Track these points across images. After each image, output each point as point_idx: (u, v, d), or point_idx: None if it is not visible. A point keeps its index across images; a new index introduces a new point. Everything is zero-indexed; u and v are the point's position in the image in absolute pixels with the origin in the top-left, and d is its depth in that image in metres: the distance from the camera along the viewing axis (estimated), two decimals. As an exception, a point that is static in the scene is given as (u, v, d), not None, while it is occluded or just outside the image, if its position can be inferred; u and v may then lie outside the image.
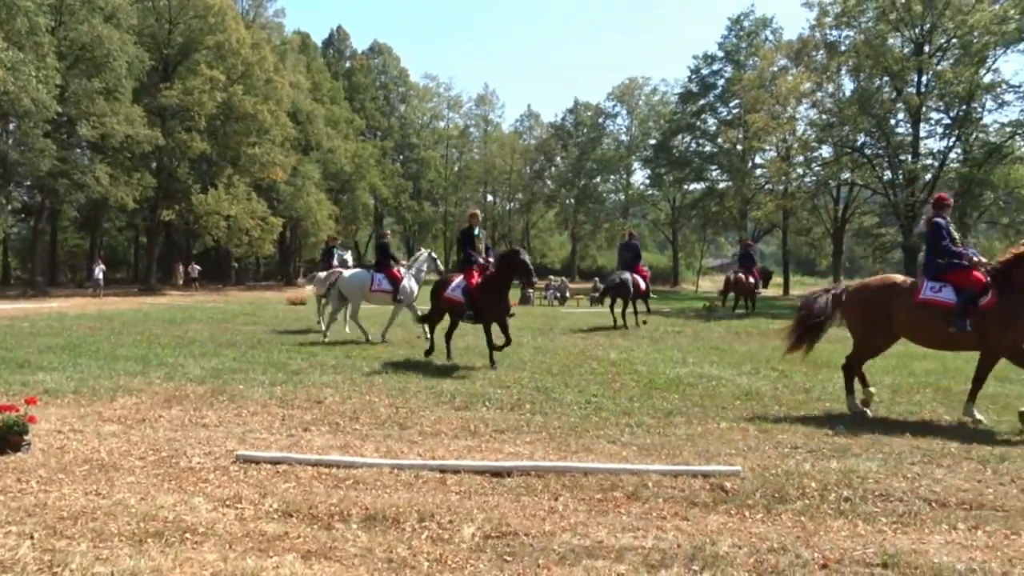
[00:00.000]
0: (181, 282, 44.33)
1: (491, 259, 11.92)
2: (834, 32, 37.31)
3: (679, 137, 57.61)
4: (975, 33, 31.63)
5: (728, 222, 55.05)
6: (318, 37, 67.10)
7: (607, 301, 18.83)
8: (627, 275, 18.19)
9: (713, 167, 55.79)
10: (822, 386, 9.79)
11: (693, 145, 57.40)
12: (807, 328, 8.65)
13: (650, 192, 62.71)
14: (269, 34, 50.46)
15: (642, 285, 18.56)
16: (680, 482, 5.41)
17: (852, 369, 8.47)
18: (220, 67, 40.77)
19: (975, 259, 8.14)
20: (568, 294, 33.57)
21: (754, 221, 52.00)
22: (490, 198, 73.92)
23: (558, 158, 68.25)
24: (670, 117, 59.34)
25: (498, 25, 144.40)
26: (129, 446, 6.23)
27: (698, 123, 56.60)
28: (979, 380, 7.91)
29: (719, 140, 53.06)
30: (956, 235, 8.39)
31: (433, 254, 15.33)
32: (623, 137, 66.21)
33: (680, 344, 14.88)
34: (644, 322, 18.97)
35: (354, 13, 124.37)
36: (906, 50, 34.85)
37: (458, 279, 11.96)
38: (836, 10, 35.94)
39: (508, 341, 11.50)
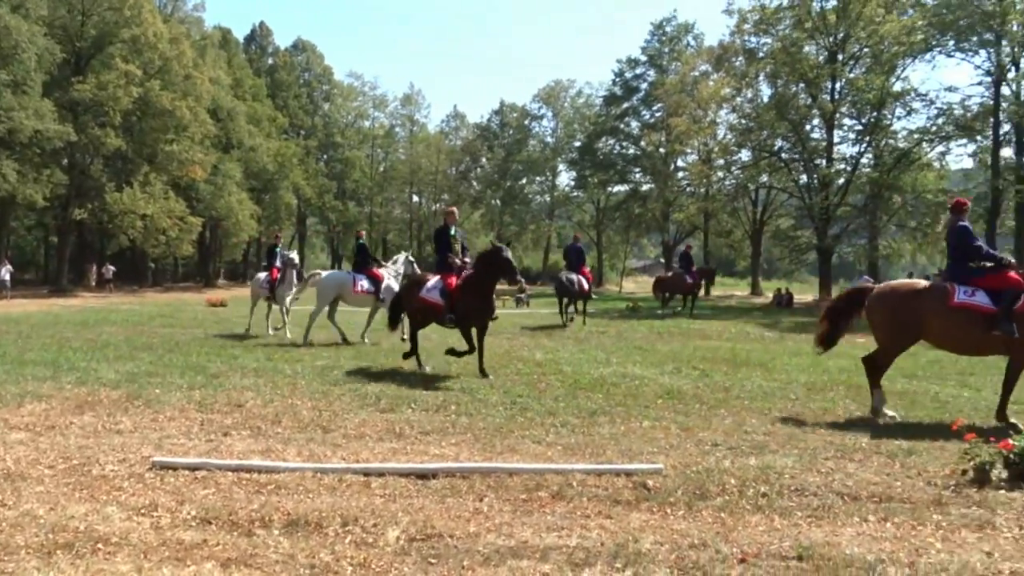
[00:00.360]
0: (94, 283, 42.67)
1: (467, 259, 11.33)
2: (753, 39, 38.39)
3: (603, 140, 58.32)
4: (885, 43, 32.95)
5: (651, 224, 56.01)
6: (240, 33, 65.66)
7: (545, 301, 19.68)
8: (575, 276, 19.41)
9: (637, 170, 56.66)
10: (741, 385, 10.04)
11: (617, 148, 58.18)
12: (834, 323, 8.68)
13: (575, 194, 63.34)
14: (188, 28, 49.07)
15: (585, 286, 19.68)
16: (604, 481, 5.46)
17: (879, 369, 8.36)
18: (136, 61, 39.48)
19: (1009, 260, 8.04)
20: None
21: (676, 223, 53.01)
22: (416, 199, 73.48)
23: (484, 159, 68.29)
24: (595, 120, 60.03)
25: (424, 25, 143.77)
26: (38, 454, 5.97)
27: (622, 126, 57.40)
28: (1010, 385, 7.83)
29: (642, 143, 53.98)
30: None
31: (411, 256, 16.21)
32: (549, 139, 66.69)
33: (604, 344, 15.07)
34: (584, 322, 19.95)
35: (276, 9, 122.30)
36: (821, 58, 36.06)
37: (434, 279, 11.15)
38: (755, 17, 36.97)
39: (473, 349, 10.56)
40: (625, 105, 56.98)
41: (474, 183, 68.95)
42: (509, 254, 10.61)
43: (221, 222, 49.01)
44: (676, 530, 4.55)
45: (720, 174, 42.08)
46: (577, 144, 62.09)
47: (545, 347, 14.36)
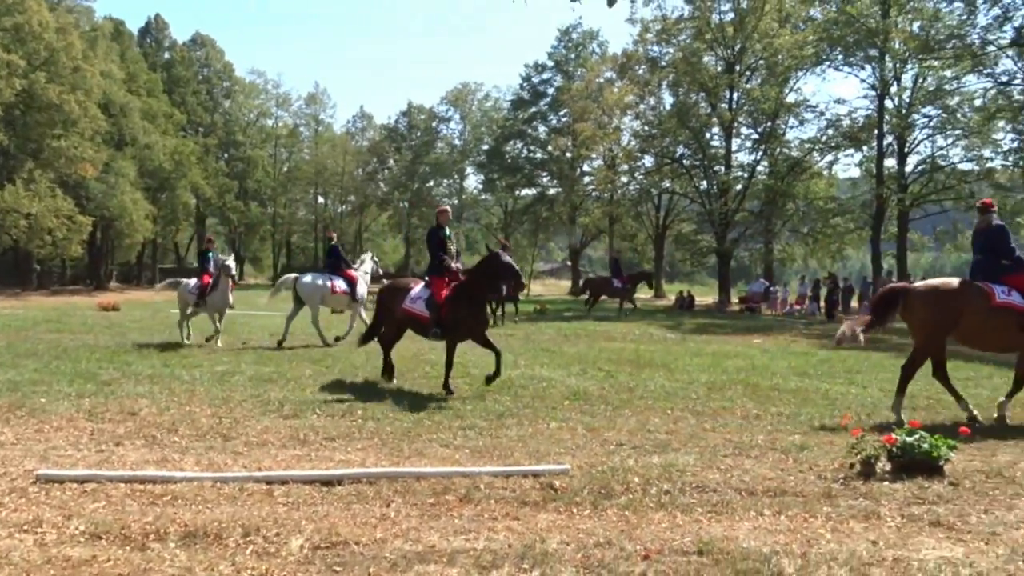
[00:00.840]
0: (-27, 286, 40.22)
1: (459, 264, 10.34)
2: (655, 48, 39.36)
3: (511, 143, 58.66)
4: (779, 56, 34.29)
5: (558, 227, 56.67)
6: (133, 26, 62.97)
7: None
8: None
9: (544, 173, 57.23)
10: (644, 385, 10.25)
11: (525, 151, 58.61)
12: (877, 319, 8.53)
13: (483, 197, 63.49)
14: (77, 18, 46.77)
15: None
16: (511, 483, 5.49)
17: (912, 371, 8.39)
18: (19, 51, 37.39)
19: None
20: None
21: (583, 227, 53.77)
22: (321, 200, 72.11)
23: (391, 161, 67.60)
24: (502, 123, 60.31)
25: (329, 23, 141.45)
26: (-92, 470, 5.59)
27: (529, 130, 57.86)
28: (1022, 381, 8.29)
29: (549, 147, 54.55)
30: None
31: (375, 257, 16.54)
32: (457, 141, 66.58)
33: (512, 347, 15.14)
34: (516, 320, 21.29)
35: (173, 2, 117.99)
36: (719, 68, 37.25)
37: (418, 287, 10.14)
38: (657, 27, 37.90)
39: (451, 366, 9.68)
40: (533, 109, 57.46)
41: (381, 185, 68.16)
42: (509, 257, 9.77)
43: (113, 222, 46.90)
44: (582, 529, 4.61)
45: (624, 179, 42.95)
46: (485, 147, 62.23)
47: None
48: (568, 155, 51.61)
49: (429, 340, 10.34)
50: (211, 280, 14.84)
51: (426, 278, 10.40)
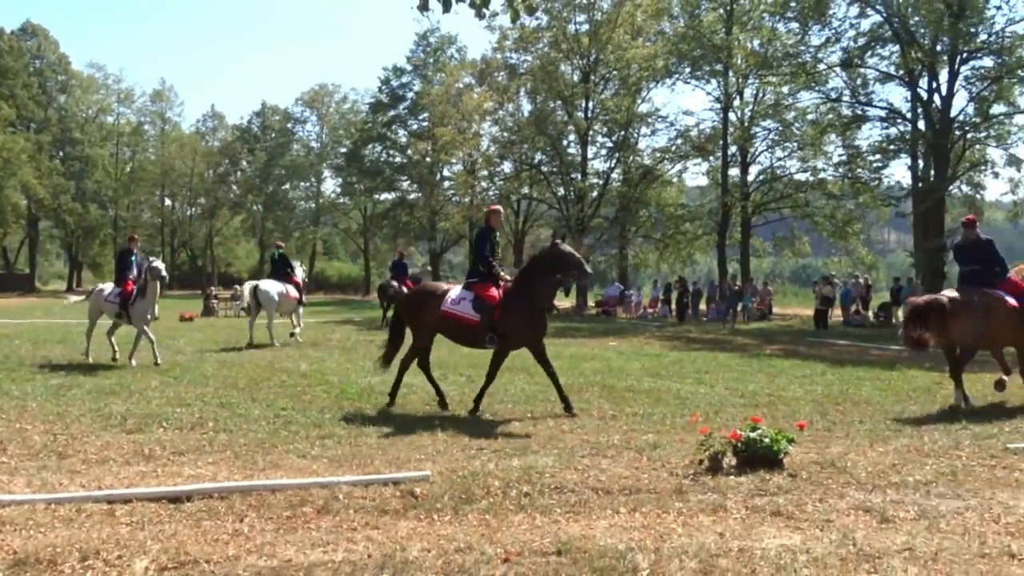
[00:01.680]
0: None
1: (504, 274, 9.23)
2: (514, 55, 39.92)
3: (370, 147, 57.93)
4: (632, 67, 35.57)
5: (419, 232, 56.35)
6: (-46, 11, 57.91)
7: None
8: (396, 284, 22.20)
9: (404, 178, 56.81)
10: (505, 389, 10.35)
11: (384, 155, 57.99)
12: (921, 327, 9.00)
13: (342, 200, 62.32)
14: None
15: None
16: (371, 491, 5.41)
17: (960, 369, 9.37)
18: None
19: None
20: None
21: (443, 232, 53.77)
22: (168, 202, 68.64)
23: (244, 162, 65.26)
24: (361, 126, 59.46)
25: (176, 18, 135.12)
26: None
27: (389, 134, 57.34)
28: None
29: (409, 152, 54.22)
30: None
31: (303, 266, 16.98)
32: (314, 144, 65.10)
33: (372, 354, 14.87)
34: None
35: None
36: (576, 77, 38.22)
37: (457, 289, 9.11)
38: (515, 35, 38.45)
39: (491, 381, 8.91)
40: (392, 113, 56.97)
41: (234, 187, 65.65)
42: (569, 247, 8.86)
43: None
44: (443, 535, 4.60)
45: (484, 184, 43.27)
46: (343, 150, 61.14)
47: (311, 357, 13.98)
48: (428, 159, 51.46)
49: (474, 348, 9.50)
50: (135, 286, 13.00)
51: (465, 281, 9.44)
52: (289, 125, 65.11)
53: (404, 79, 56.91)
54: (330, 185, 64.80)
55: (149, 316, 12.80)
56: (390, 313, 21.10)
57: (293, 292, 16.90)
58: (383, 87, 57.35)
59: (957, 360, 9.38)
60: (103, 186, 64.15)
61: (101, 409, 8.38)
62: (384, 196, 58.89)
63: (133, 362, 12.55)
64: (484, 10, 5.19)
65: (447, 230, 52.56)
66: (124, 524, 4.72)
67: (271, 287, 16.52)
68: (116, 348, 13.18)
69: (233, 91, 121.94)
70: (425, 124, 52.25)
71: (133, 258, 13.83)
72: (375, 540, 4.51)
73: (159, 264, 12.91)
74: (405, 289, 24.73)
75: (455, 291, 9.05)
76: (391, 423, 7.93)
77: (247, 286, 17.13)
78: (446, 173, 52.23)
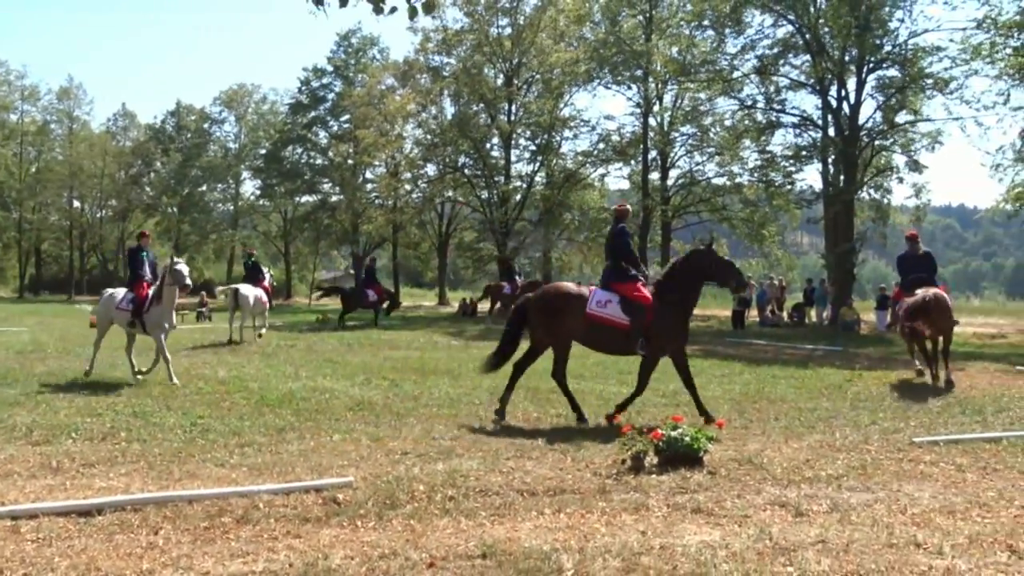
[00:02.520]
0: None
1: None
2: (437, 58, 39.81)
3: (290, 148, 56.84)
4: (554, 72, 35.88)
5: (341, 235, 55.55)
6: None
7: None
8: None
9: (325, 180, 55.94)
10: (429, 393, 10.31)
11: (305, 157, 56.99)
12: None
13: (261, 203, 60.95)
14: None
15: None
16: (293, 499, 5.31)
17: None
18: None
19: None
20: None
21: (366, 235, 53.20)
22: (77, 204, 65.92)
23: (158, 163, 63.20)
24: (280, 127, 58.30)
25: (84, 13, 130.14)
26: None
27: (310, 135, 56.38)
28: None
29: (331, 153, 53.46)
30: None
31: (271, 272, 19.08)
32: (231, 145, 63.47)
33: (293, 358, 14.67)
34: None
35: None
36: (499, 81, 38.35)
37: (600, 291, 8.44)
38: (438, 37, 38.35)
39: (641, 391, 8.52)
40: (312, 114, 56.01)
41: (147, 188, 63.53)
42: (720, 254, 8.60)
43: None
44: (366, 542, 4.54)
45: (408, 187, 42.99)
46: (263, 152, 59.82)
47: (229, 363, 13.64)
48: (350, 162, 50.85)
49: (620, 355, 9.10)
50: (151, 290, 11.38)
51: (596, 283, 9.05)
52: (206, 125, 63.33)
53: (325, 80, 56.03)
54: (249, 187, 63.31)
55: (167, 325, 11.20)
56: (390, 314, 21.61)
57: (264, 296, 18.59)
58: (303, 88, 56.36)
59: (944, 350, 11.52)
60: (6, 187, 61.15)
61: (4, 421, 8.00)
62: (305, 198, 57.82)
63: (139, 377, 11.13)
64: (382, 5, 5.13)
65: (370, 233, 52.03)
66: (30, 541, 4.52)
67: (249, 291, 17.96)
68: (135, 365, 11.61)
69: (146, 90, 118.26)
70: (347, 126, 51.57)
71: (144, 255, 12.07)
72: (297, 549, 4.43)
73: (183, 267, 11.18)
74: (373, 295, 24.67)
75: (597, 292, 8.43)
76: (313, 430, 7.80)
77: (228, 289, 19.19)
78: (368, 176, 51.71)
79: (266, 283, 19.30)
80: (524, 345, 8.91)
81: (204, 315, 30.77)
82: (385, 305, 25.09)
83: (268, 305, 19.04)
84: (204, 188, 62.93)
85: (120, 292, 11.94)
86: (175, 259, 11.26)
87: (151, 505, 5.13)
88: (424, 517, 5.00)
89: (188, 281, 11.15)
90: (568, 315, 8.28)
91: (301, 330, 22.87)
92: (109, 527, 4.76)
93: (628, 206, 9.61)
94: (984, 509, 5.19)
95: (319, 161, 56.13)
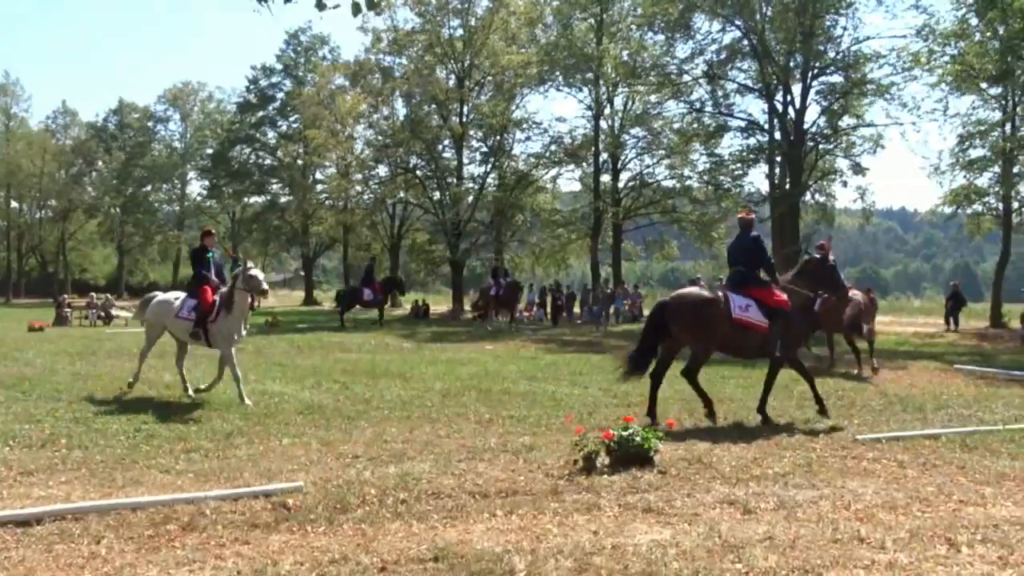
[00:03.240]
0: None
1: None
2: (388, 58, 39.53)
3: (238, 148, 55.95)
4: (506, 74, 35.90)
5: (291, 237, 54.85)
6: None
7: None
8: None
9: (274, 180, 55.20)
10: (381, 395, 10.23)
11: (253, 157, 56.16)
12: None
13: (208, 204, 59.88)
14: None
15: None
16: (241, 505, 5.22)
17: None
18: None
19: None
20: (115, 312, 30.61)
21: (316, 236, 52.62)
22: (15, 204, 63.94)
23: (100, 162, 61.66)
24: (228, 126, 57.35)
25: (22, 6, 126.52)
26: None
27: (258, 135, 55.58)
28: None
29: (280, 154, 52.78)
30: None
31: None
32: (177, 144, 62.26)
33: (241, 362, 14.41)
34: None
35: None
36: (451, 82, 38.24)
37: (736, 297, 8.52)
38: (389, 37, 38.10)
39: (813, 380, 8.95)
40: (261, 113, 55.24)
41: (89, 188, 61.95)
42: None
43: None
44: (316, 547, 4.49)
45: (359, 188, 42.61)
46: (209, 151, 58.79)
47: (175, 367, 13.34)
48: (300, 162, 50.26)
49: (749, 358, 9.41)
50: (218, 297, 10.06)
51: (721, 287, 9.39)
52: (150, 124, 62.06)
53: (274, 79, 55.28)
54: (195, 187, 62.20)
55: (236, 337, 10.04)
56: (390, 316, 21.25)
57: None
58: (251, 86, 55.53)
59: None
60: (-62, 186, 59.17)
61: (-63, 428, 7.73)
62: (254, 199, 56.98)
63: (194, 394, 10.05)
64: (324, 1, 5.09)
65: (320, 234, 51.46)
66: (-36, 552, 4.37)
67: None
68: (187, 380, 10.52)
69: (87, 87, 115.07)
70: (296, 126, 50.97)
71: (210, 256, 10.60)
72: (245, 556, 4.36)
73: (257, 273, 9.96)
74: (371, 294, 24.60)
75: (735, 297, 8.52)
76: (262, 434, 7.68)
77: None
78: (319, 176, 51.15)
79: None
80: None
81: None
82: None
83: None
84: (148, 188, 61.67)
85: (174, 297, 10.65)
86: (248, 263, 10.17)
87: (93, 513, 5.00)
88: (375, 521, 4.96)
89: (265, 287, 10.04)
90: (716, 320, 8.46)
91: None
92: (48, 537, 4.63)
93: (753, 211, 10.16)
94: (924, 504, 5.33)
95: (268, 161, 55.39)
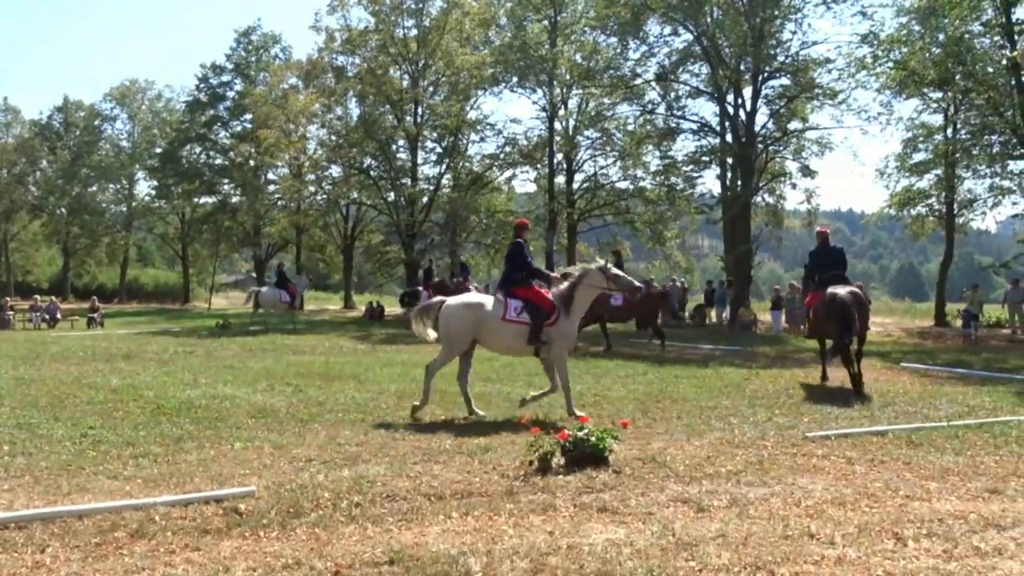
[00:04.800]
0: None
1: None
2: (341, 58, 39.18)
3: (188, 147, 54.88)
4: (461, 74, 35.85)
5: (242, 238, 54.03)
6: None
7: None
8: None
9: (225, 181, 54.28)
10: (335, 398, 10.13)
11: (204, 157, 55.14)
12: None
13: (157, 204, 58.61)
14: None
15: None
16: (191, 511, 5.13)
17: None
18: None
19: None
20: (60, 316, 29.86)
21: (268, 237, 51.93)
22: (-44, 204, 61.98)
23: (44, 161, 60.01)
24: (177, 125, 56.24)
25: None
26: None
27: (209, 134, 54.60)
28: None
29: (231, 154, 51.96)
30: None
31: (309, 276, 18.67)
32: (124, 143, 60.85)
33: (192, 365, 14.19)
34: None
35: None
36: (405, 82, 38.05)
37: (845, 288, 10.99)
38: (343, 36, 37.77)
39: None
40: (211, 113, 54.28)
41: (32, 188, 60.25)
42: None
43: None
44: (269, 552, 4.43)
45: (311, 188, 42.18)
46: (158, 151, 57.58)
47: (123, 371, 13.08)
48: (252, 162, 49.52)
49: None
50: (552, 295, 9.12)
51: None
52: (96, 122, 60.51)
53: (224, 77, 54.31)
54: (144, 187, 60.79)
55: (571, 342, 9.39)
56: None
57: (286, 297, 24.79)
58: (201, 85, 54.49)
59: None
60: None
61: None
62: (204, 200, 55.93)
63: (479, 412, 8.92)
64: None
65: (272, 235, 50.79)
66: (-100, 564, 4.22)
67: (270, 293, 25.13)
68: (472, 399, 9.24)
69: (30, 84, 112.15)
70: (248, 125, 50.20)
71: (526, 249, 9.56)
72: (195, 562, 4.28)
73: (617, 271, 9.36)
74: (287, 297, 24.85)
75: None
76: (213, 438, 7.56)
77: (252, 290, 26.35)
78: (271, 176, 50.48)
79: (293, 288, 25.77)
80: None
81: (96, 321, 29.48)
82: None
83: (291, 303, 25.19)
84: (95, 188, 60.13)
85: (483, 297, 9.48)
86: (607, 262, 9.50)
87: (37, 522, 4.88)
88: (329, 525, 4.91)
89: (638, 283, 9.48)
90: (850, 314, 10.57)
91: (200, 335, 22.17)
92: (-10, 547, 4.50)
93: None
94: (872, 499, 5.45)
95: (219, 161, 54.41)
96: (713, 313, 28.07)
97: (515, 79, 34.84)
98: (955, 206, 28.17)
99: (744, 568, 4.18)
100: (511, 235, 11.29)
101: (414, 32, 37.22)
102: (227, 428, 8.07)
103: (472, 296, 10.04)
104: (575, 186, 36.04)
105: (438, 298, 9.59)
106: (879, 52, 23.87)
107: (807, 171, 28.82)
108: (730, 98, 28.29)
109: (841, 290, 10.85)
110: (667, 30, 29.12)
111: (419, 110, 37.89)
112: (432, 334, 9.28)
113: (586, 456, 6.25)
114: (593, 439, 6.28)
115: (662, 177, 32.92)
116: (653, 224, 33.94)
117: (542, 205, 36.54)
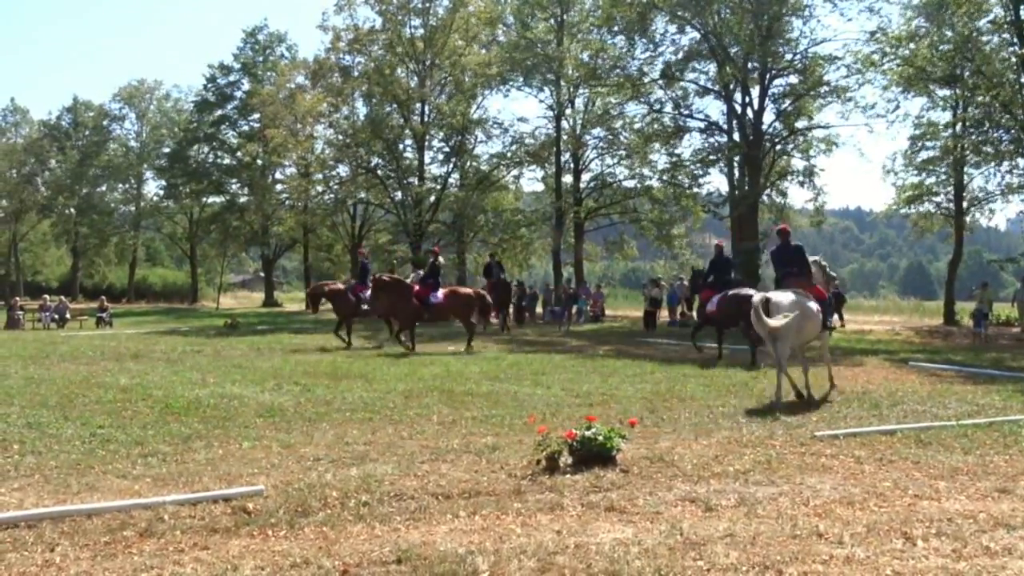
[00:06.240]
0: None
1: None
2: (348, 57, 39.23)
3: (196, 147, 55.08)
4: (467, 74, 35.87)
5: (250, 237, 54.18)
6: None
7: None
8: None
9: (233, 180, 54.45)
10: (342, 397, 10.14)
11: (212, 156, 55.34)
12: None
13: (165, 204, 58.81)
14: None
15: None
16: (200, 510, 5.15)
17: None
18: None
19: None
20: (69, 315, 30.00)
21: (276, 237, 52.05)
22: (-35, 204, 62.27)
23: (54, 162, 60.30)
24: (185, 125, 56.42)
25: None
26: None
27: (217, 134, 54.76)
28: None
29: (239, 153, 52.08)
30: None
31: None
32: (133, 143, 61.05)
33: (200, 364, 14.23)
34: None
35: None
36: (412, 82, 38.08)
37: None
38: (349, 36, 37.82)
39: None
40: (219, 112, 54.42)
41: (42, 188, 60.52)
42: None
43: None
44: (277, 551, 4.44)
45: (319, 188, 42.26)
46: (166, 150, 57.76)
47: (132, 371, 13.13)
48: (259, 162, 49.64)
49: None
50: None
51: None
52: (105, 122, 60.72)
53: (232, 77, 54.46)
54: (152, 187, 61.01)
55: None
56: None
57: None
58: (209, 85, 54.68)
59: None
60: None
61: None
62: (212, 199, 56.13)
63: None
64: None
65: (280, 235, 50.90)
66: (-89, 563, 4.25)
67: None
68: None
69: (38, 84, 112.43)
70: (256, 125, 50.29)
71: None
72: (204, 561, 4.29)
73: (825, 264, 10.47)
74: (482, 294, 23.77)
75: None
76: (221, 438, 7.58)
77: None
78: (279, 176, 50.57)
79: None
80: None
81: (105, 320, 29.62)
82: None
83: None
84: (104, 188, 60.41)
85: (787, 294, 9.85)
86: (821, 257, 10.44)
87: (47, 521, 4.90)
88: (337, 524, 4.92)
89: (835, 274, 10.05)
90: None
91: (209, 335, 22.24)
92: (0, 546, 4.52)
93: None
94: (880, 499, 5.43)
95: (227, 161, 54.58)
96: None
97: (522, 78, 34.83)
98: (964, 203, 28.06)
99: (752, 567, 4.17)
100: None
101: (421, 31, 37.24)
102: (235, 427, 8.10)
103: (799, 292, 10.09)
104: (582, 185, 36.02)
105: (760, 294, 10.10)
106: (887, 49, 23.80)
107: (813, 170, 28.81)
108: (737, 96, 28.26)
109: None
110: (674, 28, 29.09)
111: (426, 109, 37.91)
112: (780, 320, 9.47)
113: (594, 455, 6.25)
114: (601, 438, 6.28)
115: (669, 176, 32.87)
116: (660, 223, 33.87)
117: (549, 204, 36.54)
